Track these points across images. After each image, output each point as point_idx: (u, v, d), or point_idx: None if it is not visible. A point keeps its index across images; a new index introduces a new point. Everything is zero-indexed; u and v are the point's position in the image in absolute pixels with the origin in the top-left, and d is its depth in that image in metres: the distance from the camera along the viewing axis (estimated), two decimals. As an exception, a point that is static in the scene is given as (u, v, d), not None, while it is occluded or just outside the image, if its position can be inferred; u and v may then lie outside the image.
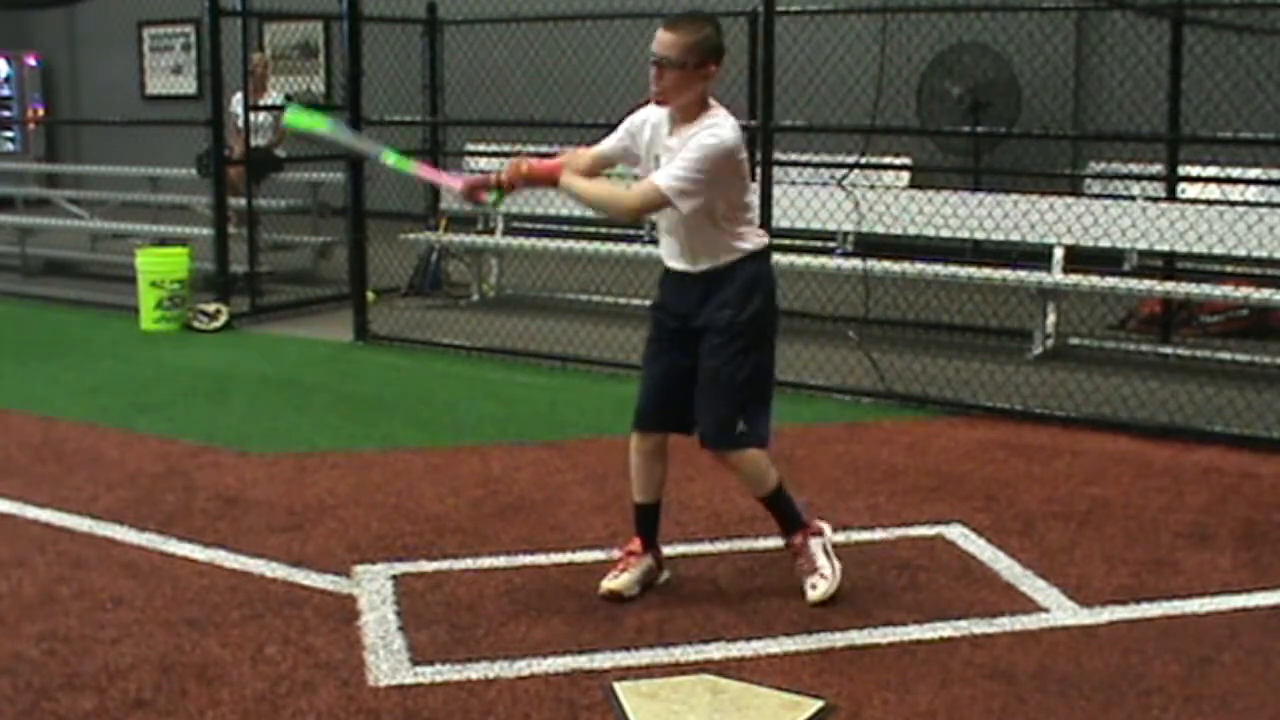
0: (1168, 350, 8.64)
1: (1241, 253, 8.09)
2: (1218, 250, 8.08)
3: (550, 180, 4.71)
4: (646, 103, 4.64)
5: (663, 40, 4.45)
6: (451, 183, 5.05)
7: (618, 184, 4.85)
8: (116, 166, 15.10)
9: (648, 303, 9.61)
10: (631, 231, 12.38)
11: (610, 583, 4.69)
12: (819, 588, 4.66)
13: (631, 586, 4.69)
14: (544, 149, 12.21)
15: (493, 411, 7.45)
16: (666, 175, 4.44)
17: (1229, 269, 9.80)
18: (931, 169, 11.77)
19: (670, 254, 4.68)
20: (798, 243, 10.17)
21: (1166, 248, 8.44)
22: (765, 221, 7.31)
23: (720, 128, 4.46)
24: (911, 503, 5.77)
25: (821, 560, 4.71)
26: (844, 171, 8.56)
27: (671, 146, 4.52)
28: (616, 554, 4.86)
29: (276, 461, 6.45)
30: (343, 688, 4.04)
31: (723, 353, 4.56)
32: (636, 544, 4.79)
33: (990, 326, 8.98)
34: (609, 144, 4.77)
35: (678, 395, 4.67)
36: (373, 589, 4.80)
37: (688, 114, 4.52)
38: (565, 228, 12.10)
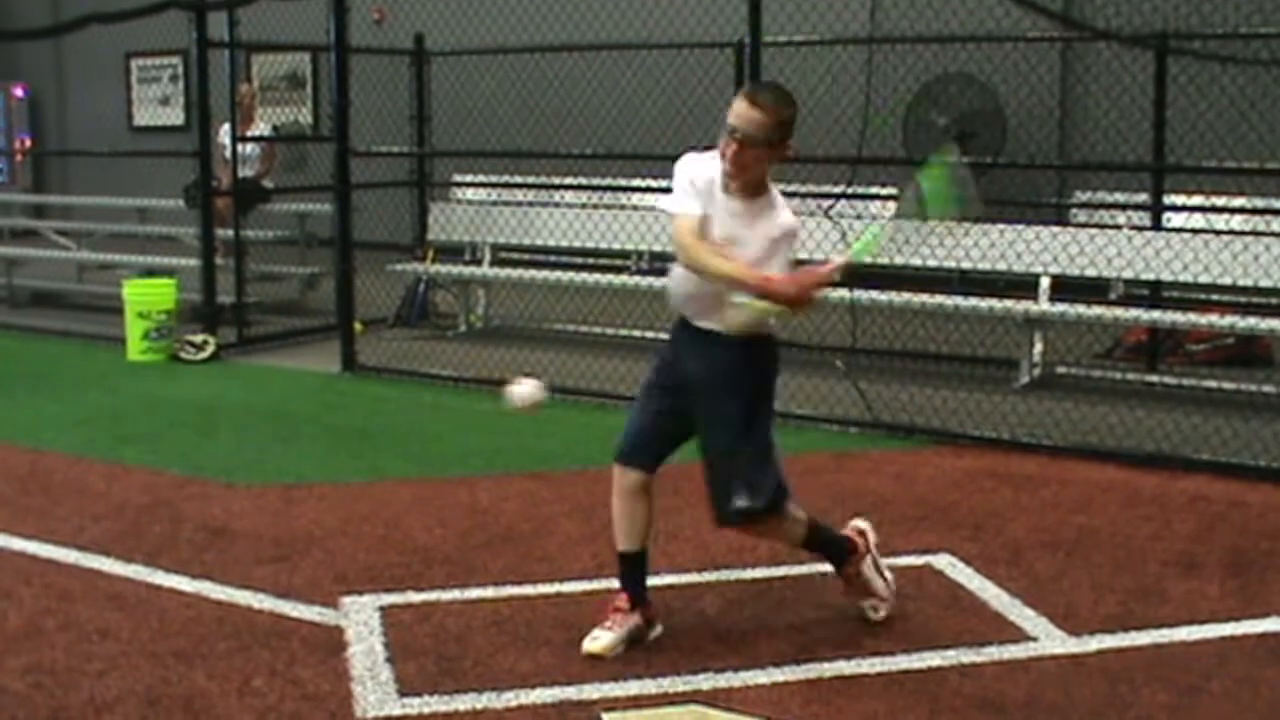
0: (1154, 379, 8.65)
1: (1227, 281, 8.11)
2: (1203, 279, 8.11)
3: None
4: (707, 147, 4.40)
5: (748, 116, 4.23)
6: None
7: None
8: (104, 197, 15.11)
9: (635, 333, 9.58)
10: (619, 262, 12.40)
11: (591, 645, 4.49)
12: (881, 610, 4.73)
13: (614, 648, 4.48)
14: (531, 179, 12.32)
15: (480, 443, 7.44)
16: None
17: (1214, 297, 9.82)
18: (918, 199, 11.79)
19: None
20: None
21: (1152, 276, 8.46)
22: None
23: (791, 218, 4.43)
24: (899, 532, 5.76)
25: (878, 583, 4.76)
26: (830, 201, 8.58)
27: (737, 214, 4.35)
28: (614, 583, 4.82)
29: (263, 493, 6.43)
30: (330, 719, 4.03)
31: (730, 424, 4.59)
32: (623, 600, 4.62)
33: (977, 356, 8.99)
34: (699, 210, 4.37)
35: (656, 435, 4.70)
36: (360, 620, 4.78)
37: (750, 189, 4.38)
38: (552, 258, 12.13)
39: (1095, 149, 11.66)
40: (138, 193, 14.36)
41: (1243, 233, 8.53)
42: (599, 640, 4.50)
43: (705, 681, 4.28)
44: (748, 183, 4.37)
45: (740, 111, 4.25)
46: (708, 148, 4.45)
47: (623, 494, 4.60)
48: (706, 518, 5.75)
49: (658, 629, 4.65)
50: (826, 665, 4.39)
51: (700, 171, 4.39)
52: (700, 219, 4.35)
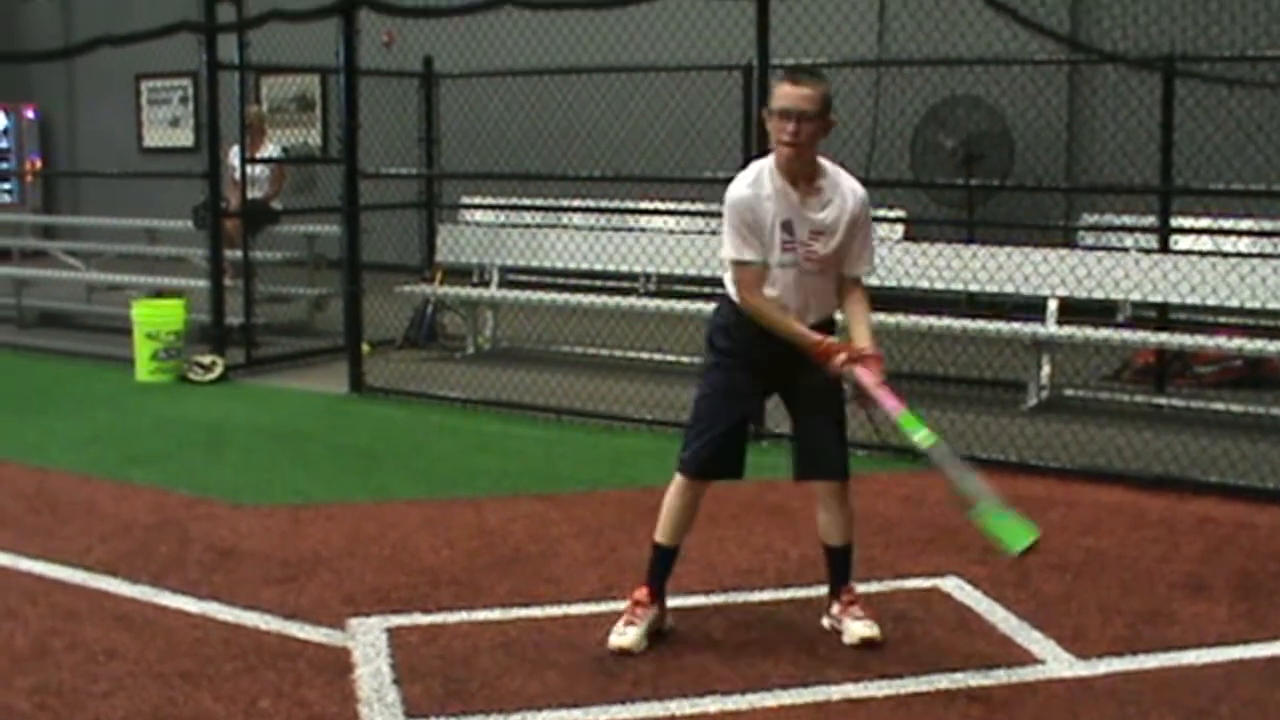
0: (1162, 401, 8.64)
1: (1234, 303, 8.11)
2: (1211, 301, 8.11)
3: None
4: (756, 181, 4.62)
5: (800, 95, 4.53)
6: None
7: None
8: (113, 218, 15.15)
9: (644, 355, 9.55)
10: (627, 284, 12.41)
11: (619, 640, 4.65)
12: (875, 628, 4.75)
13: (641, 642, 4.66)
14: (539, 201, 12.30)
15: (488, 464, 7.44)
16: (869, 261, 4.75)
17: (1222, 319, 9.82)
18: (925, 221, 11.81)
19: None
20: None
21: (1160, 299, 8.46)
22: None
23: (858, 185, 4.70)
24: (907, 554, 5.76)
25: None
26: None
27: (810, 209, 4.61)
28: (622, 605, 4.83)
29: (271, 513, 6.44)
30: (336, 741, 4.02)
31: (837, 395, 4.86)
32: (644, 594, 4.77)
33: (985, 378, 8.98)
34: (755, 255, 4.62)
35: (741, 445, 4.81)
36: (367, 641, 4.78)
37: (809, 168, 4.63)
38: (560, 280, 12.14)
39: (1102, 171, 11.65)
40: (147, 214, 14.40)
41: (1250, 255, 8.51)
42: (627, 636, 4.66)
43: (712, 704, 4.27)
44: (806, 165, 4.60)
45: (790, 93, 4.55)
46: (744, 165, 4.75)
47: (694, 501, 4.92)
48: (713, 539, 5.77)
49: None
50: (834, 688, 4.38)
51: (752, 208, 4.62)
52: (761, 268, 4.61)
